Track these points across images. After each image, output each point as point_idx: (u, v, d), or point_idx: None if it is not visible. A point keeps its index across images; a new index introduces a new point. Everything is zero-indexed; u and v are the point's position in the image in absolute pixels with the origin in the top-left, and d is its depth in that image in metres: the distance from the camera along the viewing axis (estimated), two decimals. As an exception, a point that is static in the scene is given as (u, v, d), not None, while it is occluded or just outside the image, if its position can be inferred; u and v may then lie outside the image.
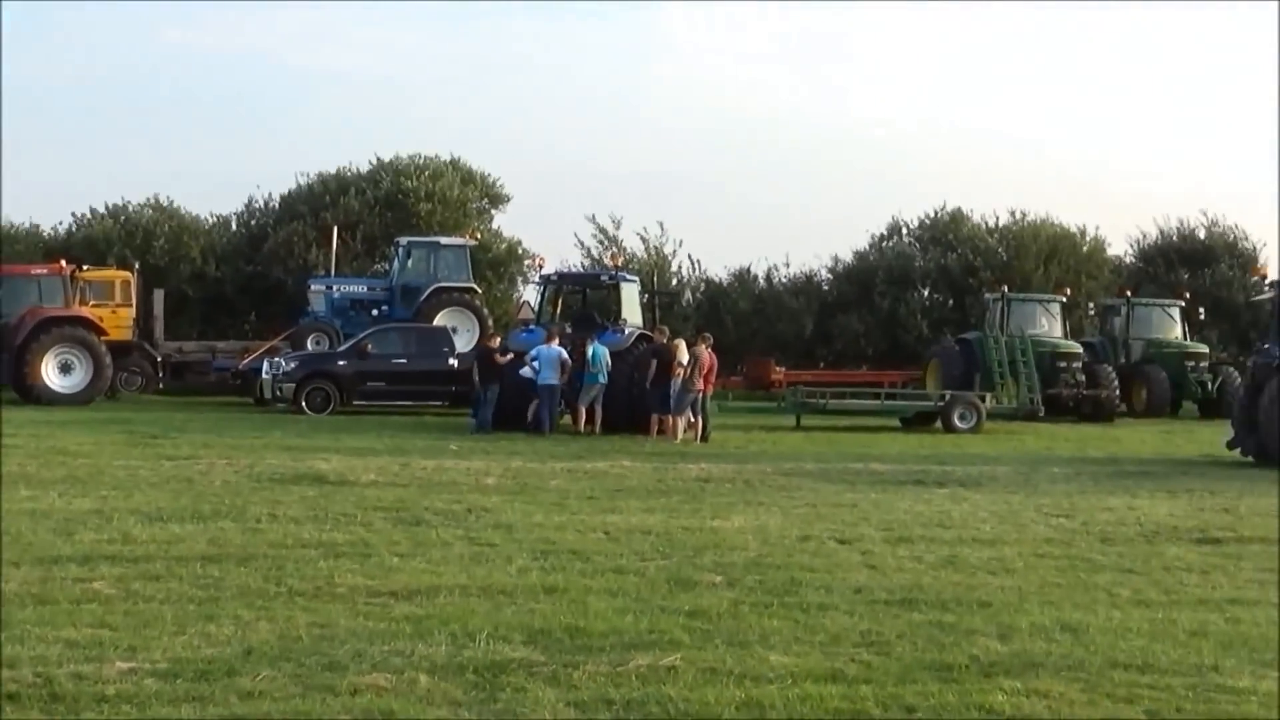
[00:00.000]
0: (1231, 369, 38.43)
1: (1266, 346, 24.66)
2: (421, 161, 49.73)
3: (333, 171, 49.99)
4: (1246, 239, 52.41)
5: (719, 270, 51.19)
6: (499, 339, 29.41)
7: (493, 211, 51.54)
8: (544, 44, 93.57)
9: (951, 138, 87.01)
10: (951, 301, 48.36)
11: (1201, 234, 52.69)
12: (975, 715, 7.52)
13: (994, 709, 7.62)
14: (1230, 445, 24.33)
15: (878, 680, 8.15)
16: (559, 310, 30.49)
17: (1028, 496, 17.50)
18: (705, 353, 26.94)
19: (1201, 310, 42.05)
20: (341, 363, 32.25)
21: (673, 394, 26.46)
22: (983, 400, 31.84)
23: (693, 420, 26.73)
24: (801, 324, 48.23)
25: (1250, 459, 23.63)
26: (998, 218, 51.32)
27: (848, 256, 51.14)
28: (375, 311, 38.51)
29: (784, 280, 50.50)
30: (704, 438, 26.40)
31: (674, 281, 48.61)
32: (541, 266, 33.49)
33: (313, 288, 39.43)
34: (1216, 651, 9.03)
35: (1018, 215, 51.28)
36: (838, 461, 22.08)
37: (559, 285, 31.37)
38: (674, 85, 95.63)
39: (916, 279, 48.73)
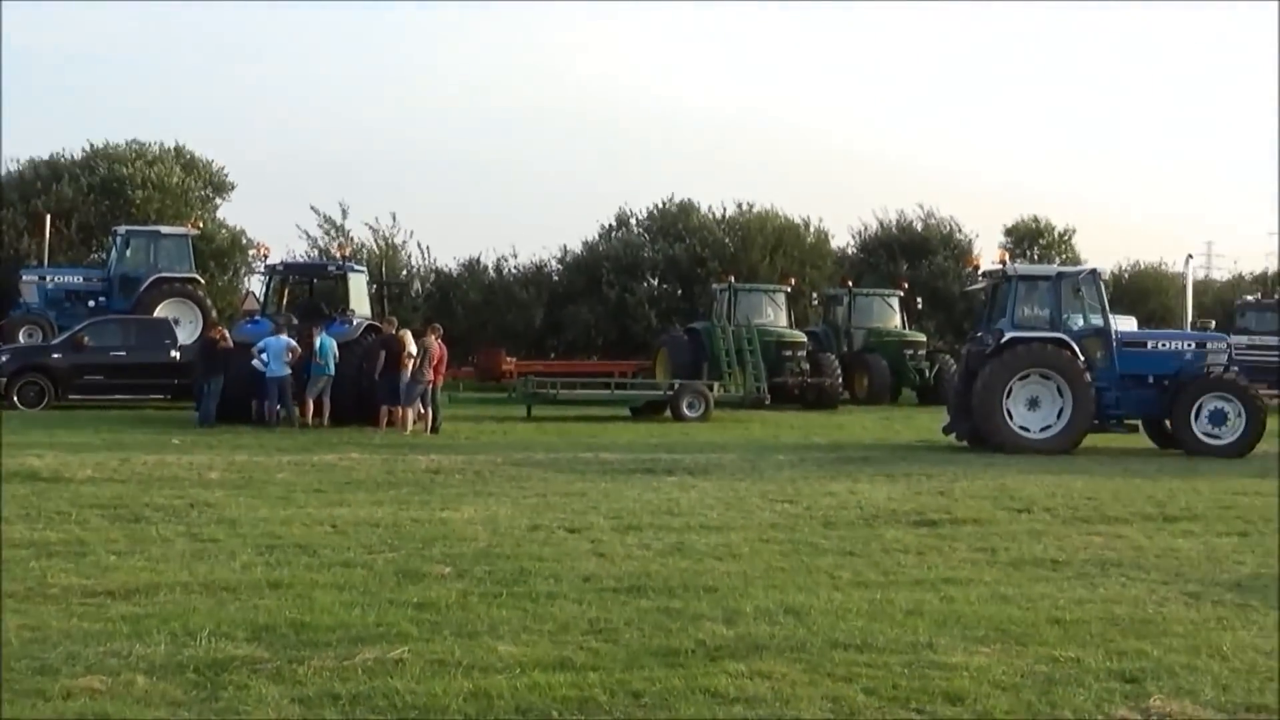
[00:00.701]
0: (947, 357, 39.70)
1: (980, 335, 25.56)
2: (139, 148, 48.25)
3: (45, 157, 48.17)
4: (960, 231, 54.43)
5: (449, 261, 51.00)
6: (222, 330, 28.72)
7: (217, 200, 50.35)
8: (271, 32, 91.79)
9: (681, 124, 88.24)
10: (680, 291, 48.97)
11: (919, 226, 54.48)
12: (701, 698, 7.62)
13: (719, 691, 7.73)
14: (946, 430, 25.19)
15: (605, 667, 8.20)
16: (285, 301, 29.93)
17: (754, 483, 17.81)
18: (435, 343, 26.77)
19: (919, 300, 43.43)
20: (56, 356, 31.02)
21: (402, 385, 26.23)
22: (711, 389, 32.30)
23: (423, 411, 26.54)
24: (532, 314, 48.28)
25: (965, 443, 24.50)
26: (725, 209, 52.24)
27: (577, 247, 51.41)
28: (92, 303, 37.22)
29: (514, 271, 50.49)
30: (434, 429, 26.23)
31: (403, 272, 48.15)
32: (266, 256, 32.78)
33: (24, 278, 37.95)
34: (931, 629, 9.33)
35: (744, 207, 52.26)
36: (568, 451, 22.15)
37: (285, 275, 30.76)
38: (405, 74, 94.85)
39: (645, 269, 49.22)
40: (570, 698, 7.58)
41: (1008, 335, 24.10)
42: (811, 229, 52.37)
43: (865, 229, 55.63)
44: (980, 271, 27.87)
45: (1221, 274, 73.99)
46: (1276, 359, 41.43)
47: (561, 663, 8.28)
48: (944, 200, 73.68)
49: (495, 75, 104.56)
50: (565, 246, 51.48)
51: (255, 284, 38.03)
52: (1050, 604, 10.27)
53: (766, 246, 49.61)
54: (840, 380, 37.81)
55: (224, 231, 48.45)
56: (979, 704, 7.60)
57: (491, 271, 50.33)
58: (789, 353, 37.42)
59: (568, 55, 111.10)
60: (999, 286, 25.36)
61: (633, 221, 52.51)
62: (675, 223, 51.02)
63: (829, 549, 12.67)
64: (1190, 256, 34.94)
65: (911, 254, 52.82)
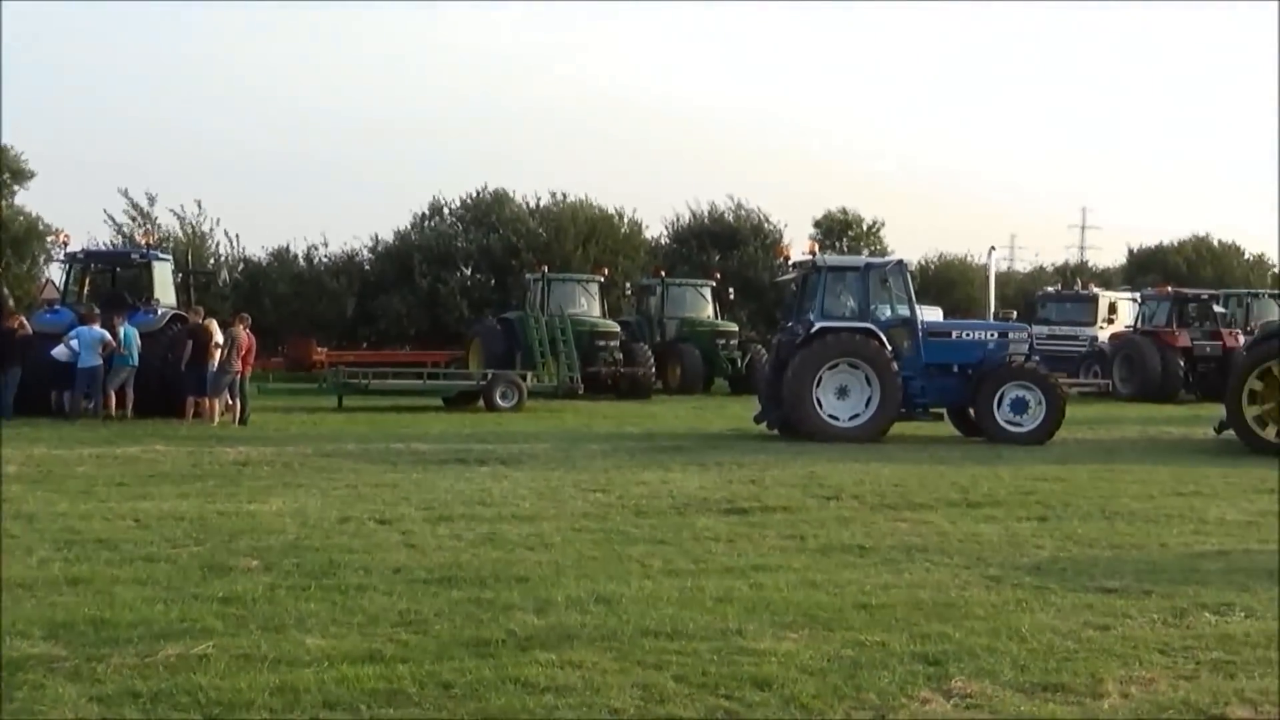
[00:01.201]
0: (759, 346, 40.06)
1: (790, 325, 25.87)
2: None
3: None
4: (769, 221, 55.05)
5: (258, 250, 50.06)
6: (21, 319, 27.83)
7: (15, 187, 48.83)
8: (80, 20, 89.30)
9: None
10: (493, 281, 48.74)
11: (730, 217, 54.98)
12: (511, 689, 7.59)
13: (529, 681, 7.71)
14: (758, 419, 25.46)
15: (415, 659, 8.13)
16: (86, 290, 29.13)
17: (567, 473, 17.82)
18: (243, 333, 26.30)
19: (731, 290, 43.81)
20: None
21: (209, 376, 25.72)
22: (524, 379, 32.22)
23: (230, 403, 26.06)
24: (343, 304, 47.66)
25: (775, 432, 24.79)
26: (539, 199, 52.15)
27: (389, 236, 50.85)
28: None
29: (324, 260, 49.76)
30: (242, 420, 25.77)
31: (210, 261, 47.16)
32: (66, 244, 31.82)
33: None
34: (741, 616, 9.41)
35: (558, 197, 52.24)
36: (380, 442, 21.93)
37: (86, 264, 29.95)
38: (210, 63, 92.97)
39: (458, 259, 48.91)
40: (379, 690, 7.50)
41: (817, 325, 24.42)
42: (625, 219, 52.54)
43: (678, 220, 56.01)
44: (790, 262, 28.20)
45: (1024, 266, 76.09)
46: (1075, 349, 42.70)
47: (370, 655, 8.20)
48: (755, 191, 74.68)
49: (306, 65, 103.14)
50: (377, 235, 50.93)
51: (55, 272, 36.93)
52: (857, 589, 10.43)
53: (580, 236, 49.62)
54: (653, 370, 37.99)
55: (21, 219, 47.02)
56: (786, 689, 7.69)
57: (301, 261, 49.53)
58: (602, 343, 37.49)
59: (379, 44, 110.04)
60: (808, 277, 25.68)
61: (446, 211, 52.15)
62: (489, 213, 50.77)
63: (641, 538, 12.72)
64: (993, 249, 35.81)
65: (723, 244, 53.27)
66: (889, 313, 25.35)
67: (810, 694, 7.60)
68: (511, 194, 52.11)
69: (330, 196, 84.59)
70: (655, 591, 10.18)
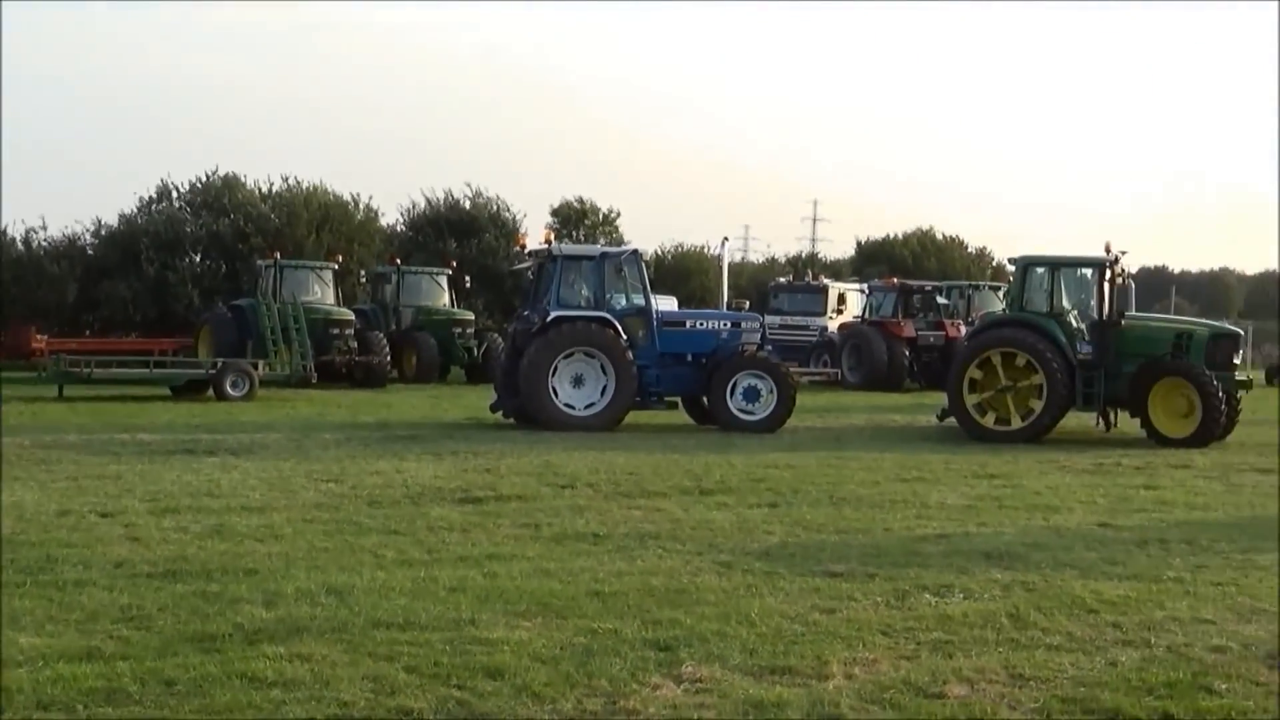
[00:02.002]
0: (495, 335, 39.97)
1: (526, 314, 25.87)
2: None
3: None
4: (507, 210, 55.00)
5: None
6: None
7: None
8: None
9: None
10: (224, 267, 47.63)
11: (467, 205, 54.73)
12: (237, 684, 7.42)
13: (256, 676, 7.55)
14: (493, 408, 25.39)
15: (136, 656, 7.89)
16: None
17: (299, 463, 17.52)
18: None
19: (468, 278, 43.61)
20: None
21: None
22: (256, 368, 31.57)
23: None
24: (64, 290, 45.97)
25: (511, 420, 24.77)
26: (271, 184, 51.13)
27: (113, 220, 49.22)
28: None
29: (44, 244, 47.91)
30: (-45, 410, 24.70)
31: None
32: None
33: None
34: (474, 605, 9.38)
35: (291, 182, 51.30)
36: (103, 432, 21.23)
37: None
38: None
39: (187, 244, 47.65)
40: (97, 689, 7.25)
41: (553, 314, 24.46)
42: (360, 206, 51.89)
43: (414, 207, 55.54)
44: (527, 251, 28.18)
45: (757, 257, 77.61)
46: (806, 338, 43.69)
47: (89, 653, 7.93)
48: (493, 180, 74.42)
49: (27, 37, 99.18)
50: (100, 219, 49.25)
51: None
52: (590, 577, 10.48)
53: (313, 223, 48.83)
54: (388, 358, 37.59)
55: None
56: (518, 677, 7.68)
57: (20, 244, 47.61)
58: (336, 331, 36.94)
59: (107, 25, 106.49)
60: (544, 266, 25.70)
61: (174, 195, 50.73)
62: (220, 197, 49.57)
63: (374, 528, 12.57)
64: (726, 239, 36.22)
65: (460, 232, 52.99)
66: (624, 302, 25.52)
67: (542, 682, 7.60)
68: (243, 178, 51.00)
69: (48, 178, 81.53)
70: (388, 582, 10.07)
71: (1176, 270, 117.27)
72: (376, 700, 7.28)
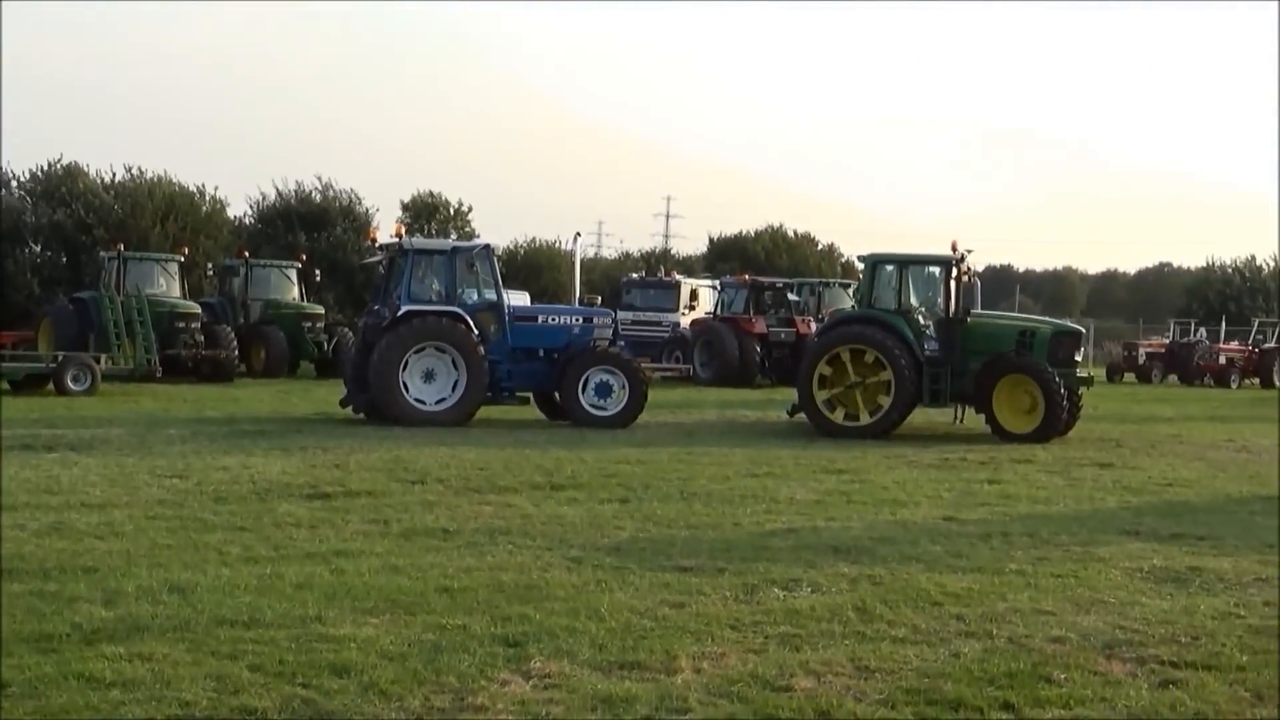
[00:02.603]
0: (346, 329, 39.57)
1: (377, 308, 25.64)
2: None
3: None
4: (359, 202, 54.50)
5: None
6: None
7: None
8: None
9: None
10: (65, 259, 46.60)
11: (318, 198, 54.13)
12: (75, 685, 7.25)
13: (95, 676, 7.39)
14: (343, 403, 25.11)
15: (-32, 657, 7.67)
16: None
17: (142, 458, 17.18)
18: None
19: (318, 272, 43.09)
20: None
21: None
22: (98, 361, 30.89)
23: None
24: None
25: (362, 415, 24.52)
26: (114, 174, 50.12)
27: (-53, 209, 47.89)
28: None
29: (-127, 233, 46.48)
30: None
31: None
32: None
33: None
34: (321, 603, 9.27)
35: (135, 172, 50.34)
36: (-63, 427, 20.65)
37: None
38: None
39: (27, 235, 46.53)
40: (-79, 695, 7.04)
41: (404, 308, 24.27)
42: (207, 197, 51.08)
43: (263, 199, 54.80)
44: (378, 245, 27.94)
45: (610, 252, 77.74)
46: (659, 334, 43.82)
47: (-82, 656, 7.69)
48: (345, 172, 73.85)
49: None
50: (-67, 209, 47.93)
51: None
52: (440, 573, 10.41)
53: (158, 214, 47.95)
54: (236, 352, 37.01)
55: None
56: (366, 674, 7.60)
57: None
58: (182, 324, 36.26)
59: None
60: (395, 260, 25.48)
61: (14, 184, 49.51)
62: (60, 186, 48.47)
63: (219, 524, 12.37)
64: (579, 235, 36.25)
65: (310, 225, 52.38)
66: (476, 297, 25.40)
67: (389, 679, 7.53)
68: (85, 168, 49.94)
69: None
70: (233, 579, 9.91)
71: (1021, 269, 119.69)
72: (219, 700, 7.15)
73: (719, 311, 42.76)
